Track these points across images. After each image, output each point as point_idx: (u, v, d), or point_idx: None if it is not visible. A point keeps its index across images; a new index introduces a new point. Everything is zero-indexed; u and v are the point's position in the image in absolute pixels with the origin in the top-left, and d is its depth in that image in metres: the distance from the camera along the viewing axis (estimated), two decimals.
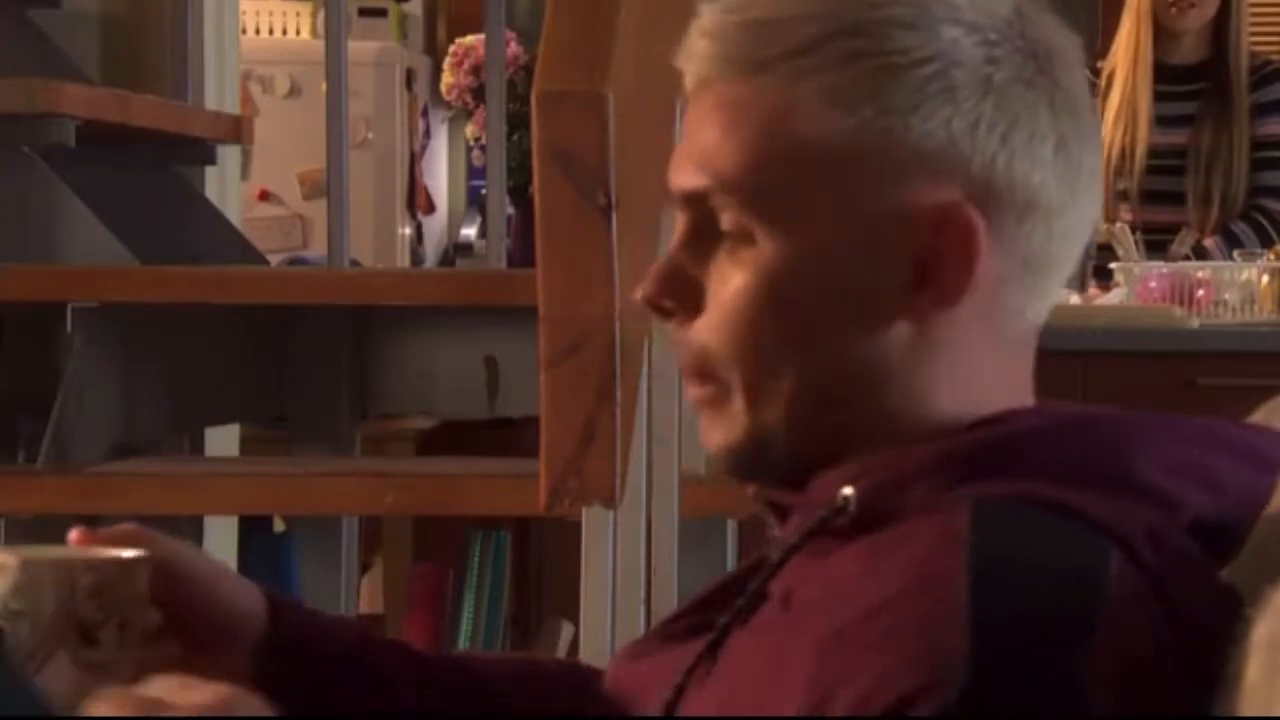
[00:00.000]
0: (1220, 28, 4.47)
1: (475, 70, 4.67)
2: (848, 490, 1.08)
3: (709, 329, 1.13)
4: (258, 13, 5.80)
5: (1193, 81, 4.51)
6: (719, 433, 1.15)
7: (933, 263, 1.10)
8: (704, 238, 1.14)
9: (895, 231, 1.11)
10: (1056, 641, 0.99)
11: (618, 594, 1.97)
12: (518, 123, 4.01)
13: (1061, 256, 1.14)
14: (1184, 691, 1.01)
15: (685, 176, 1.15)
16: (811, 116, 1.11)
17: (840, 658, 1.01)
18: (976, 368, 1.13)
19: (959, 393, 1.12)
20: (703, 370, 1.14)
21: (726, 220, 1.13)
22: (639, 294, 1.16)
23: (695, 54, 1.15)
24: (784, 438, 1.13)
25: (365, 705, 1.24)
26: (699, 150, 1.14)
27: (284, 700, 1.06)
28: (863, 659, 1.00)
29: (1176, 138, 4.53)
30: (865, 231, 1.11)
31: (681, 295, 1.15)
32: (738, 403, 1.13)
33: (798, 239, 1.11)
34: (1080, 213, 1.14)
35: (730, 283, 1.13)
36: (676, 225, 1.17)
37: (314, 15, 5.80)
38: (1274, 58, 4.66)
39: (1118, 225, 4.31)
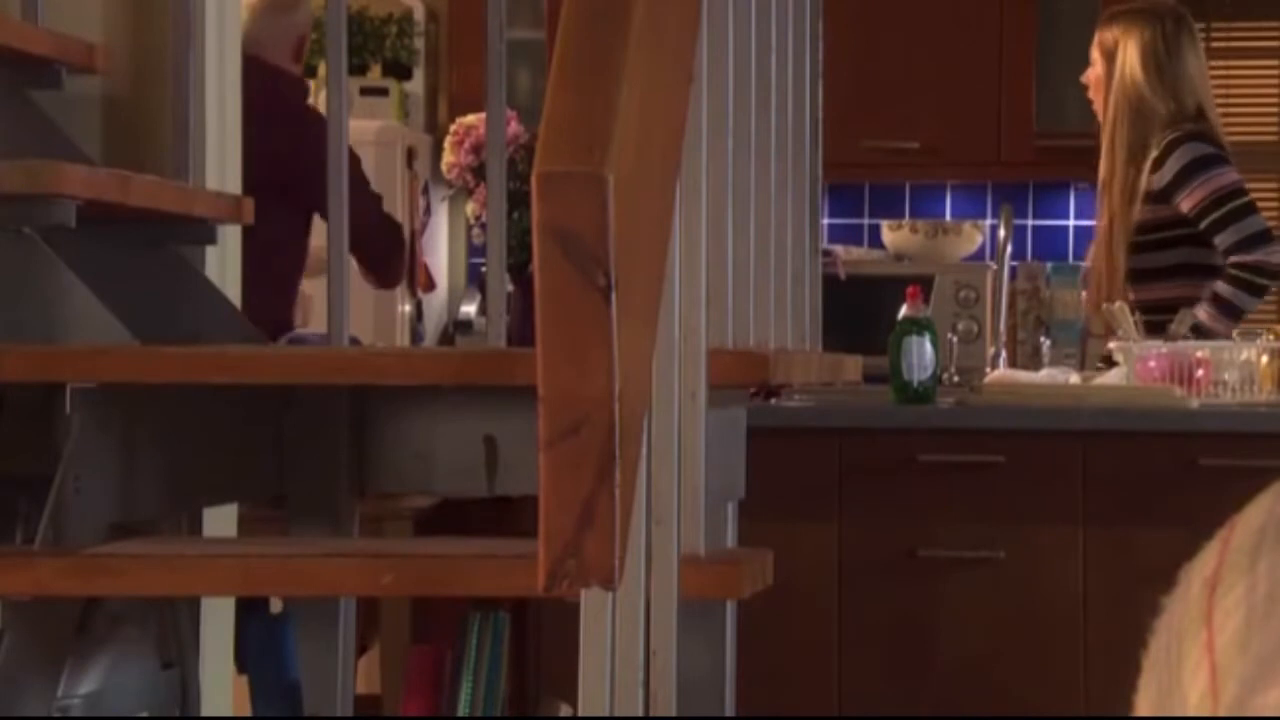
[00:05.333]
0: None
1: (476, 149, 4.68)
2: None
3: None
4: None
5: None
6: None
7: None
8: None
9: None
10: None
11: (616, 675, 1.96)
12: (518, 201, 4.02)
13: None
14: None
15: None
16: None
17: None
18: None
19: None
20: None
21: None
22: None
23: None
24: None
25: None
26: None
27: None
28: None
29: (1161, 211, 4.61)
30: None
31: None
32: None
33: None
34: None
35: None
36: None
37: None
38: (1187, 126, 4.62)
39: (1116, 305, 4.31)
